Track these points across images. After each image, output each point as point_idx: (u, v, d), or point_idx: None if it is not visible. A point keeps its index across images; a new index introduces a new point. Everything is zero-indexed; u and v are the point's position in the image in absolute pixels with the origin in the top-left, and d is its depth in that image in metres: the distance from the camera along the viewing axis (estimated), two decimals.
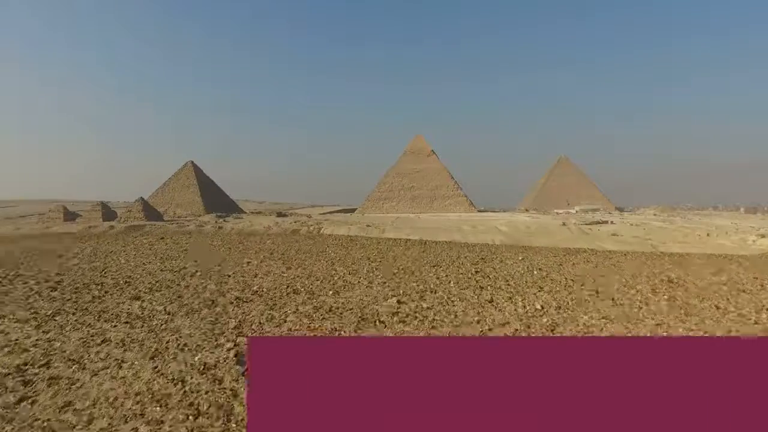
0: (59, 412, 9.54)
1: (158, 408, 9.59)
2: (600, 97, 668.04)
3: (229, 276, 27.29)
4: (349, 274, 27.81)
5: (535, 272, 28.75)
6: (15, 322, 16.31)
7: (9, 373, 11.57)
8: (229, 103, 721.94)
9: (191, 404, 9.75)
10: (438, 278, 26.05)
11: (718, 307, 17.94)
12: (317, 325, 14.63)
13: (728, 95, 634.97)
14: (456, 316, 16.41)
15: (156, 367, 11.75)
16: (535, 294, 20.97)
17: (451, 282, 24.71)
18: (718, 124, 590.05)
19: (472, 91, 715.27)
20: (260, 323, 15.58)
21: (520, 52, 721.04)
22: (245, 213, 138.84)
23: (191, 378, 11.03)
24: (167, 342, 13.85)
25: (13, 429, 8.89)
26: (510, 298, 20.10)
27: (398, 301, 19.41)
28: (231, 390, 10.30)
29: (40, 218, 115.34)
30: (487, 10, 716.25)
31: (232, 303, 19.51)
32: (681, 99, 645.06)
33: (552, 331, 13.82)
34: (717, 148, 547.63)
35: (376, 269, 29.77)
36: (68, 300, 20.86)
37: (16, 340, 14.20)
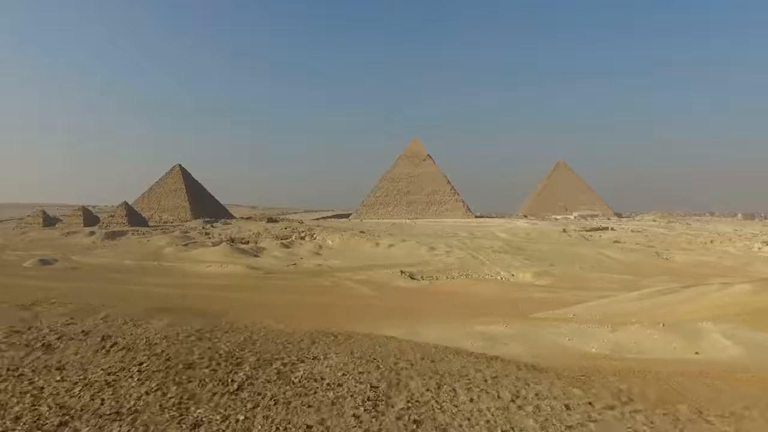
0: None
1: None
2: (600, 100, 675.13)
3: None
4: None
5: None
6: None
7: None
8: (224, 106, 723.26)
9: None
10: None
11: None
12: None
13: (728, 99, 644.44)
14: None
15: None
16: None
17: None
18: (716, 127, 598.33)
19: (470, 94, 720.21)
20: None
21: (519, 56, 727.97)
22: (234, 218, 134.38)
23: None
24: None
25: None
26: None
27: None
28: None
29: (18, 223, 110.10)
30: (486, 15, 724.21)
31: None
32: (681, 102, 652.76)
33: None
34: (715, 151, 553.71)
35: None
36: None
37: None
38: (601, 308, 20.32)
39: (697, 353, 10.79)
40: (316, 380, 6.38)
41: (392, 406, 5.84)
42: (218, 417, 5.35)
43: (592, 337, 13.30)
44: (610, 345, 12.15)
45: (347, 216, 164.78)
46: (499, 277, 45.33)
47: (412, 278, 43.47)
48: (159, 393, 5.78)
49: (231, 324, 10.01)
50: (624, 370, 8.38)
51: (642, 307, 19.27)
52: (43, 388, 5.81)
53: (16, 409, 5.32)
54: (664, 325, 12.61)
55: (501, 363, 8.36)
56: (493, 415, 5.95)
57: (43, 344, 7.47)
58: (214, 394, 5.83)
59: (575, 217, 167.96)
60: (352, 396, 5.80)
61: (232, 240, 76.33)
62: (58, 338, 7.77)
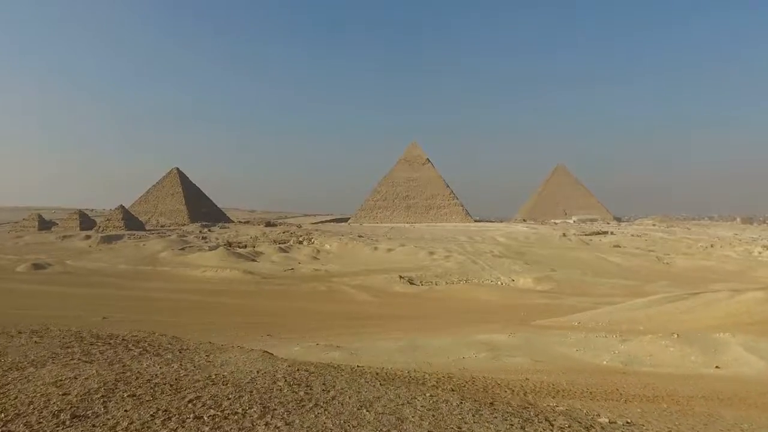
0: None
1: None
2: (599, 102, 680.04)
3: None
4: None
5: None
6: None
7: None
8: (223, 109, 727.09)
9: None
10: None
11: None
12: None
13: (728, 102, 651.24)
14: None
15: None
16: None
17: None
18: (716, 131, 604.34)
19: (470, 97, 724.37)
20: None
21: (519, 60, 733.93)
22: (232, 222, 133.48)
23: None
24: None
25: None
26: None
27: None
28: None
29: (13, 227, 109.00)
30: (486, 19, 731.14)
31: None
32: (681, 104, 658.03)
33: None
34: (715, 153, 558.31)
35: None
36: None
37: None
38: (607, 315, 19.63)
39: (717, 367, 10.08)
40: None
41: None
42: None
43: (602, 348, 12.57)
44: (623, 357, 11.42)
45: (346, 220, 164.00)
46: (499, 283, 44.65)
47: (411, 283, 42.75)
48: None
49: (155, 373, 6.05)
50: (649, 391, 7.33)
51: (649, 314, 18.58)
52: None
53: None
54: (678, 335, 11.90)
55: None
56: None
57: None
58: None
59: (574, 221, 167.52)
60: None
61: (230, 244, 75.47)
62: None
